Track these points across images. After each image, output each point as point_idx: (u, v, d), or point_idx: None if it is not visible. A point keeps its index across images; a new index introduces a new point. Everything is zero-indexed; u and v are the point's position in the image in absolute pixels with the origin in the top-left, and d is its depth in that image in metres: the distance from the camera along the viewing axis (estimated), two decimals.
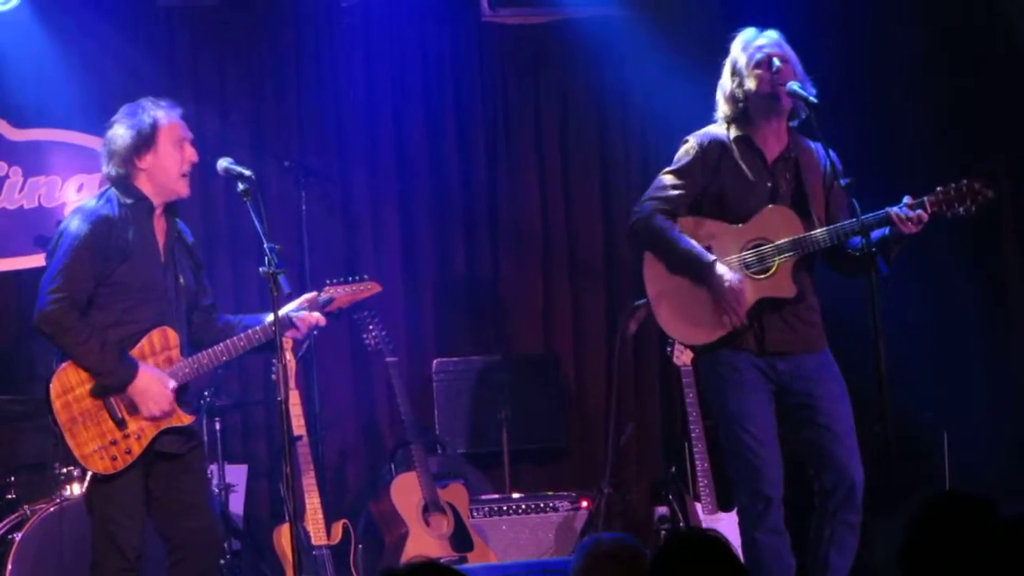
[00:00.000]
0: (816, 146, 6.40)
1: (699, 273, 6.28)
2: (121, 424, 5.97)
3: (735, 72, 6.37)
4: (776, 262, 6.28)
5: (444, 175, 9.02)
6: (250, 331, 6.19)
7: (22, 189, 8.38)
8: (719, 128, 6.45)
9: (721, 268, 6.23)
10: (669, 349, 8.15)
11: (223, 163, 6.21)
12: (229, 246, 8.62)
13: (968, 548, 3.32)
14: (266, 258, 5.84)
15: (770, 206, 6.32)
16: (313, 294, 6.36)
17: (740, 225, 6.32)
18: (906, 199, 6.10)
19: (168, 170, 6.16)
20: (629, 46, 8.97)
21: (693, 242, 6.31)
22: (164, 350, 6.09)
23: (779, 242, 6.27)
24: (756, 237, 6.28)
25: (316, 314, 6.30)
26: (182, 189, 6.22)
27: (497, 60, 9.16)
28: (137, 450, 5.98)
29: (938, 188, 6.10)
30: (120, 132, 6.12)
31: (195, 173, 8.24)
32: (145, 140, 6.11)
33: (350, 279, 6.51)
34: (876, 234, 6.10)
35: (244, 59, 8.83)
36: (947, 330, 8.29)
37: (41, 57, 8.30)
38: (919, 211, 6.08)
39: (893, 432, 5.84)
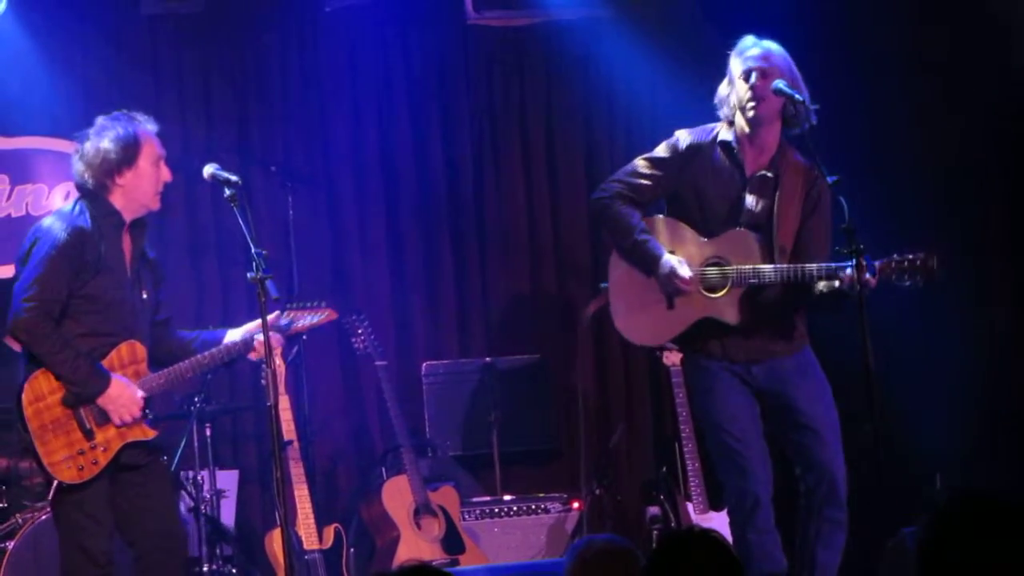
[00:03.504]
0: (822, 173, 6.35)
1: (649, 266, 6.40)
2: (89, 435, 6.05)
3: (729, 79, 6.41)
4: (728, 285, 6.33)
5: (430, 178, 9.02)
6: (214, 351, 6.30)
7: (9, 197, 8.37)
8: (713, 128, 6.50)
9: (666, 259, 6.34)
10: (658, 350, 8.16)
11: (209, 169, 6.23)
12: (216, 252, 8.62)
13: (990, 546, 3.31)
14: (253, 263, 5.85)
15: (737, 229, 6.38)
16: (275, 314, 6.37)
17: (706, 239, 6.40)
18: (849, 269, 6.06)
19: (144, 188, 6.23)
20: (614, 47, 8.97)
21: (650, 236, 6.43)
22: (132, 363, 6.18)
23: (732, 268, 6.33)
24: (715, 255, 6.35)
25: (277, 336, 6.34)
26: (155, 205, 6.31)
27: (482, 62, 9.16)
28: (103, 461, 6.07)
29: (894, 255, 6.08)
30: (104, 146, 6.14)
31: (182, 179, 8.32)
32: (129, 157, 6.17)
33: (308, 304, 6.60)
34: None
35: (229, 65, 8.82)
36: (929, 328, 8.30)
37: (26, 65, 8.30)
38: (868, 277, 6.03)
39: (882, 431, 5.86)
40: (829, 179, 6.12)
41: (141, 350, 6.21)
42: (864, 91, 8.48)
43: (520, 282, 9.12)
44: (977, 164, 8.51)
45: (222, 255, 8.60)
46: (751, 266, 6.29)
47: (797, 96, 6.24)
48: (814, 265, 6.20)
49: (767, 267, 6.26)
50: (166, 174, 6.29)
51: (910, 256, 6.06)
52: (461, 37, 9.11)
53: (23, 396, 6.02)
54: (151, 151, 6.25)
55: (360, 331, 8.14)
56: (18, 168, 8.45)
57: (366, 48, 8.95)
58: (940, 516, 3.40)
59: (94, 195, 6.18)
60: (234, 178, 6.12)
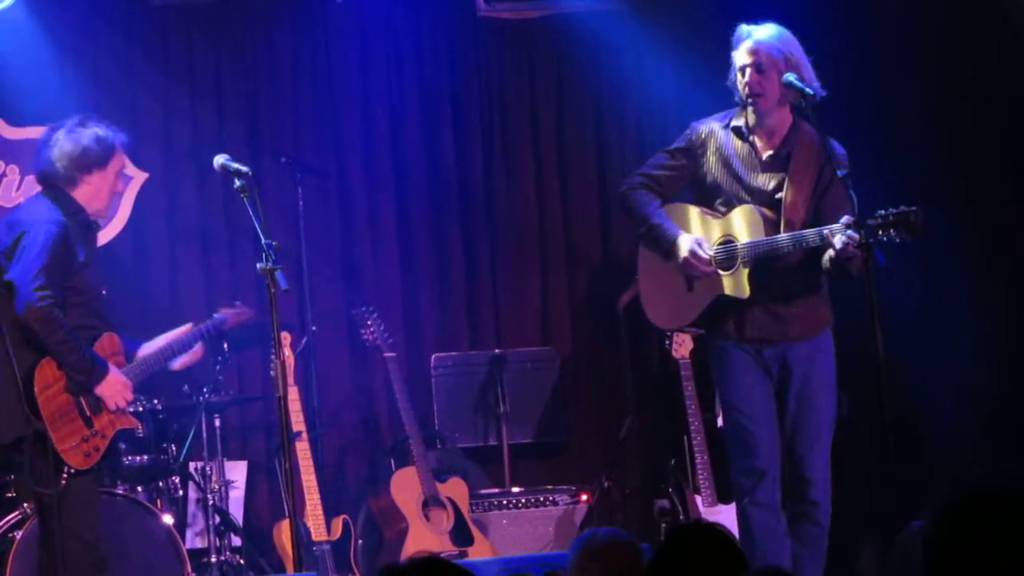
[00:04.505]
0: (832, 145, 6.44)
1: (665, 248, 6.53)
2: (88, 422, 6.22)
3: (733, 69, 6.50)
4: (738, 262, 6.38)
5: (440, 170, 9.01)
6: (158, 351, 6.63)
7: (19, 187, 8.38)
8: (727, 114, 6.63)
9: (682, 240, 6.46)
10: (668, 342, 8.17)
11: (220, 160, 6.27)
12: (226, 243, 8.62)
13: (999, 540, 3.29)
14: (263, 254, 5.88)
15: (743, 206, 6.47)
16: (185, 327, 6.76)
17: (717, 219, 6.51)
18: (845, 218, 6.09)
19: (105, 193, 6.43)
20: (624, 39, 8.97)
21: (665, 219, 6.56)
22: (112, 355, 6.37)
23: (740, 244, 6.41)
24: (726, 234, 6.44)
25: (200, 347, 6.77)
26: (105, 214, 6.56)
27: (493, 55, 9.15)
28: (102, 447, 6.26)
29: (879, 211, 6.10)
30: (84, 141, 6.33)
31: (193, 169, 8.37)
32: (104, 159, 6.39)
33: (236, 303, 7.20)
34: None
35: (240, 56, 8.82)
36: (940, 321, 8.30)
37: (37, 55, 8.30)
38: (852, 233, 6.07)
39: (892, 424, 5.88)
40: (839, 172, 6.15)
41: (118, 342, 6.41)
42: (875, 80, 8.48)
43: (530, 274, 9.11)
44: (991, 155, 8.49)
45: (232, 246, 8.60)
46: (752, 240, 6.35)
47: (808, 90, 6.28)
48: (807, 231, 6.26)
49: (763, 239, 6.32)
50: (120, 186, 6.54)
51: (893, 211, 6.06)
52: (472, 29, 9.10)
53: (35, 383, 6.08)
54: (119, 161, 6.47)
55: (369, 322, 8.14)
56: (28, 158, 8.42)
57: (377, 40, 8.95)
58: (947, 510, 3.39)
59: (59, 189, 6.37)
60: (244, 169, 6.16)
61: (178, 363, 6.73)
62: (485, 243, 9.07)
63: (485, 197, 9.09)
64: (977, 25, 8.34)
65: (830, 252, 6.20)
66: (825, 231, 6.12)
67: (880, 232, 6.04)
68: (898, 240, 6.01)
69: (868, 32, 8.50)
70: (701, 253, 6.41)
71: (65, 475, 6.13)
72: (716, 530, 3.86)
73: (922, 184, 8.28)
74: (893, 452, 5.93)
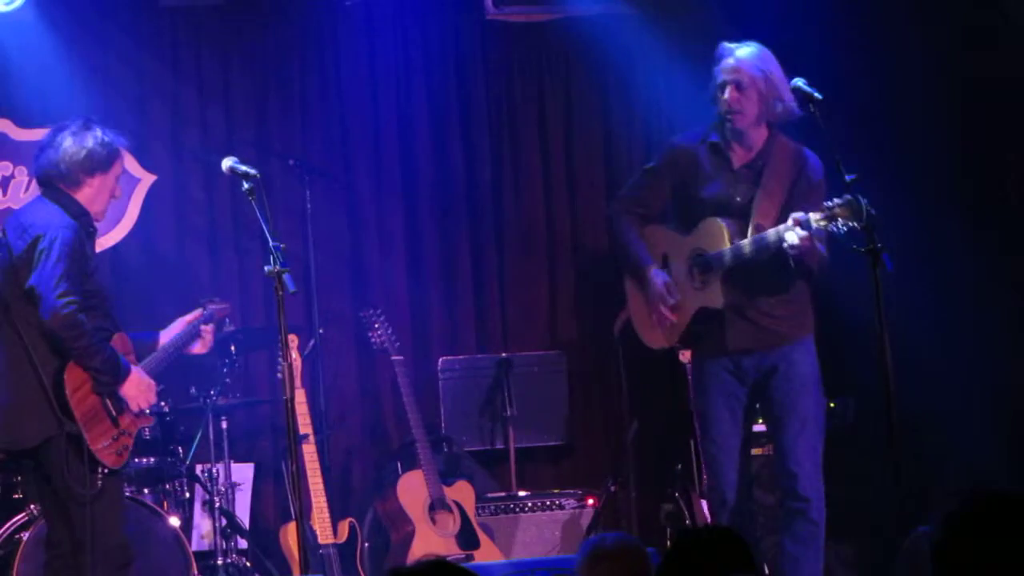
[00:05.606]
0: (806, 155, 6.55)
1: (640, 276, 6.74)
2: (115, 422, 6.23)
3: (713, 84, 6.64)
4: (711, 273, 6.49)
5: (449, 174, 9.01)
6: (168, 344, 6.70)
7: (27, 188, 8.38)
8: (704, 129, 6.77)
9: (651, 274, 6.67)
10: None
11: (228, 162, 6.26)
12: (234, 245, 8.62)
13: (1006, 546, 3.29)
14: (271, 256, 5.88)
15: (708, 219, 6.62)
16: (198, 311, 6.87)
17: (685, 236, 6.71)
18: (794, 215, 6.23)
19: (104, 197, 6.42)
20: (633, 44, 8.96)
21: (642, 247, 6.77)
22: (125, 355, 6.35)
23: (707, 255, 6.58)
24: (695, 248, 6.61)
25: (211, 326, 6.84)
26: (102, 217, 6.52)
27: (501, 58, 9.16)
28: (130, 446, 6.29)
29: (824, 203, 6.15)
30: (89, 144, 6.33)
31: (201, 171, 8.37)
32: (107, 162, 6.38)
33: (215, 298, 7.20)
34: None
35: (248, 59, 8.83)
36: (947, 325, 8.29)
37: (45, 57, 8.31)
38: (805, 232, 6.23)
39: (898, 428, 5.87)
40: (847, 177, 6.15)
41: (129, 342, 6.44)
42: (882, 85, 8.47)
43: (537, 277, 9.12)
44: (999, 158, 8.48)
45: (239, 248, 8.61)
46: (716, 251, 6.53)
47: (816, 94, 6.31)
48: (766, 232, 6.40)
49: (727, 248, 6.48)
50: (119, 191, 6.52)
51: (833, 203, 6.13)
52: (480, 32, 9.11)
53: (65, 387, 6.10)
54: (120, 166, 6.48)
55: (377, 325, 8.15)
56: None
57: (385, 42, 8.95)
58: (954, 515, 3.38)
59: (61, 191, 6.35)
60: (252, 171, 6.15)
61: (196, 347, 6.79)
62: (492, 246, 9.07)
63: (493, 200, 9.09)
64: (979, 32, 8.35)
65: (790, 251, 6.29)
66: (782, 230, 6.22)
67: (830, 225, 6.12)
68: (845, 228, 6.07)
69: (872, 38, 8.49)
70: (668, 297, 6.62)
71: (100, 475, 6.15)
72: (728, 534, 3.86)
73: (929, 188, 8.29)
74: (900, 457, 5.92)
